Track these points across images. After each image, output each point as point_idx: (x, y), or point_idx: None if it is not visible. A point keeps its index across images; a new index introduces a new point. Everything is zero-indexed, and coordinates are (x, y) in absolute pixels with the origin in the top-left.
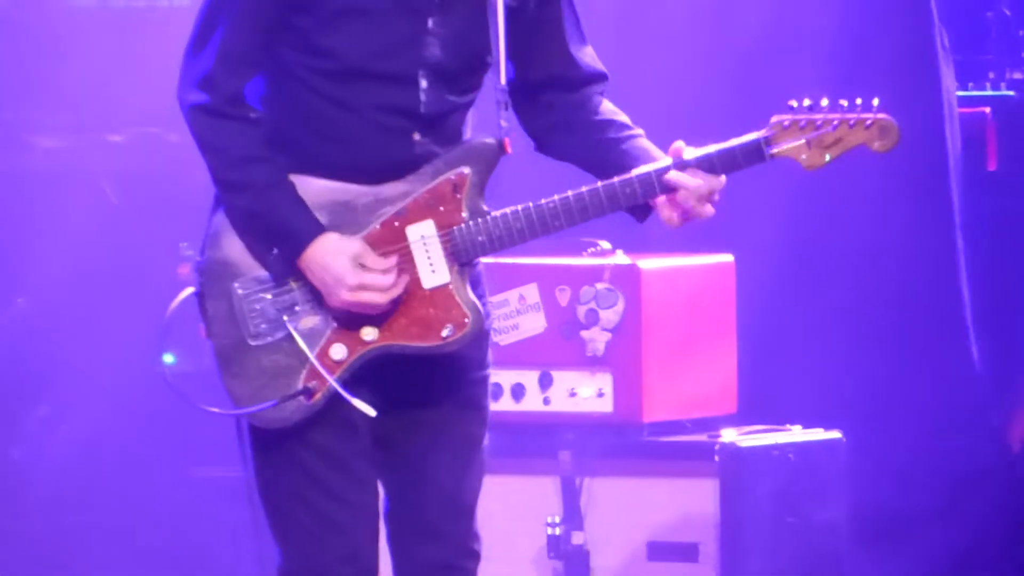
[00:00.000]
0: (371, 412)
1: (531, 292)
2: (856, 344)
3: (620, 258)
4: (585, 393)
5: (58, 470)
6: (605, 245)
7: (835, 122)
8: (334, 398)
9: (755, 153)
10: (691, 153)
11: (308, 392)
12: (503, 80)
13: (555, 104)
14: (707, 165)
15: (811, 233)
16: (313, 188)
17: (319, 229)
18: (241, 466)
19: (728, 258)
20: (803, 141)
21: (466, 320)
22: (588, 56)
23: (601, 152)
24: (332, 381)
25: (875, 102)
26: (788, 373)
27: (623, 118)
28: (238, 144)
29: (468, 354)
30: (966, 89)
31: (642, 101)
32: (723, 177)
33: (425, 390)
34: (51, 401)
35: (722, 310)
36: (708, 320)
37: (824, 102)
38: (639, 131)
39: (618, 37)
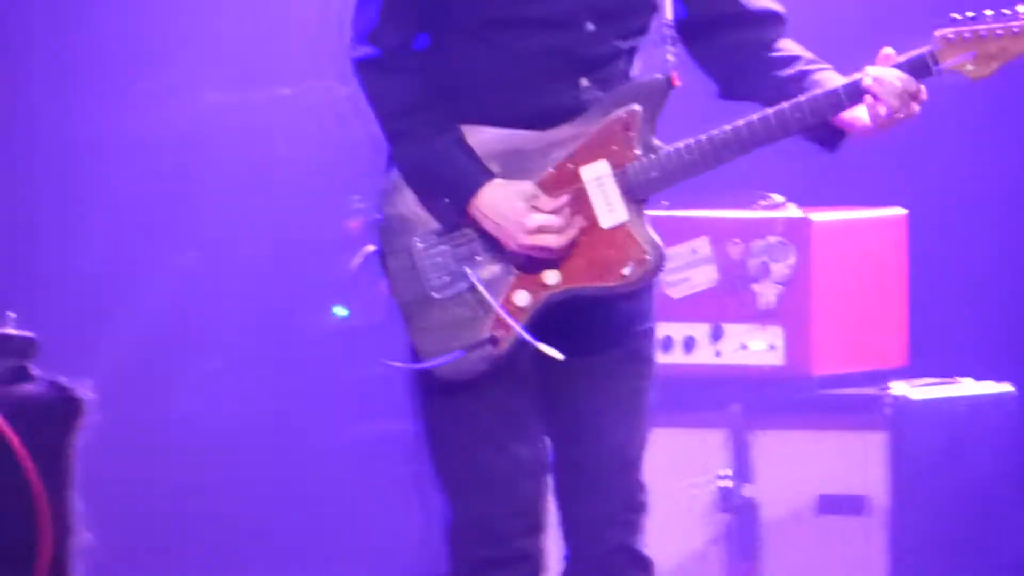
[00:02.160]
0: (559, 356)
1: (702, 245)
2: None
3: (792, 211)
4: (756, 346)
5: (224, 425)
6: (777, 198)
7: (999, 31)
8: (514, 349)
9: (922, 68)
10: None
11: (495, 341)
12: (669, 15)
13: (732, 45)
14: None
15: (981, 186)
16: (483, 137)
17: (488, 175)
18: (411, 421)
19: (900, 211)
20: (969, 53)
21: (646, 257)
22: (764, 2)
23: (785, 87)
24: (518, 328)
25: None
26: (960, 326)
27: (808, 54)
28: (404, 95)
29: (633, 306)
30: None
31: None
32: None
33: (591, 341)
34: (218, 355)
35: (894, 263)
36: (879, 273)
37: (988, 12)
38: (826, 65)
39: None
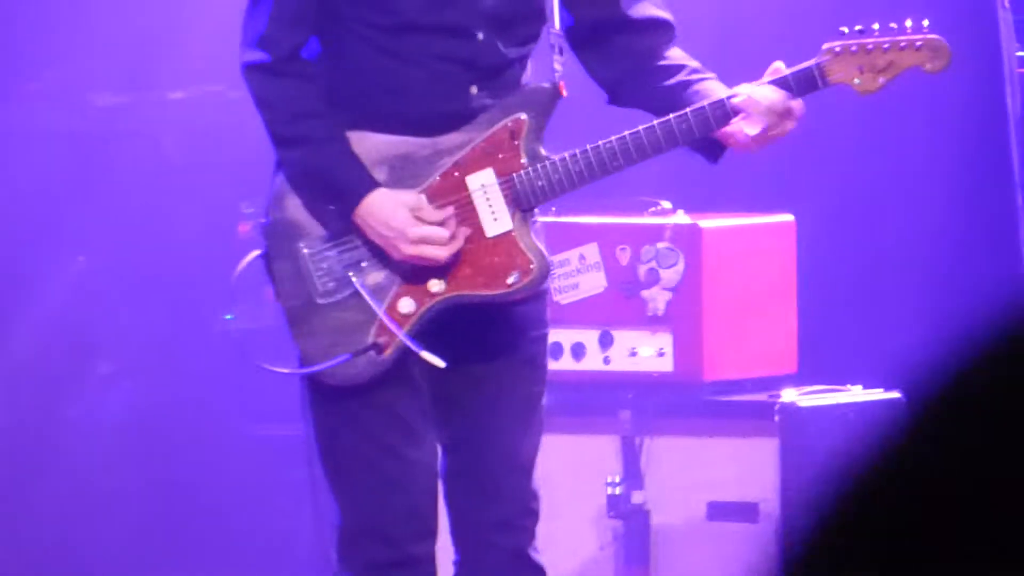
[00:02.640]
0: (440, 363)
1: (591, 251)
2: (916, 304)
3: (681, 217)
4: (645, 352)
5: (115, 429)
6: (666, 205)
7: (886, 45)
8: (401, 355)
9: (809, 81)
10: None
11: (379, 347)
12: (557, 25)
13: (618, 52)
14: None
15: (870, 193)
16: (372, 143)
17: (373, 184)
18: (301, 424)
19: (788, 217)
20: (856, 66)
21: (531, 266)
22: (653, 8)
23: (669, 96)
24: (401, 335)
25: (925, 23)
26: (849, 333)
27: (693, 63)
28: (293, 101)
29: (527, 311)
30: None
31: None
32: (799, 100)
33: (485, 347)
34: (110, 360)
35: (782, 269)
36: (768, 279)
37: (875, 26)
38: (710, 74)
39: None
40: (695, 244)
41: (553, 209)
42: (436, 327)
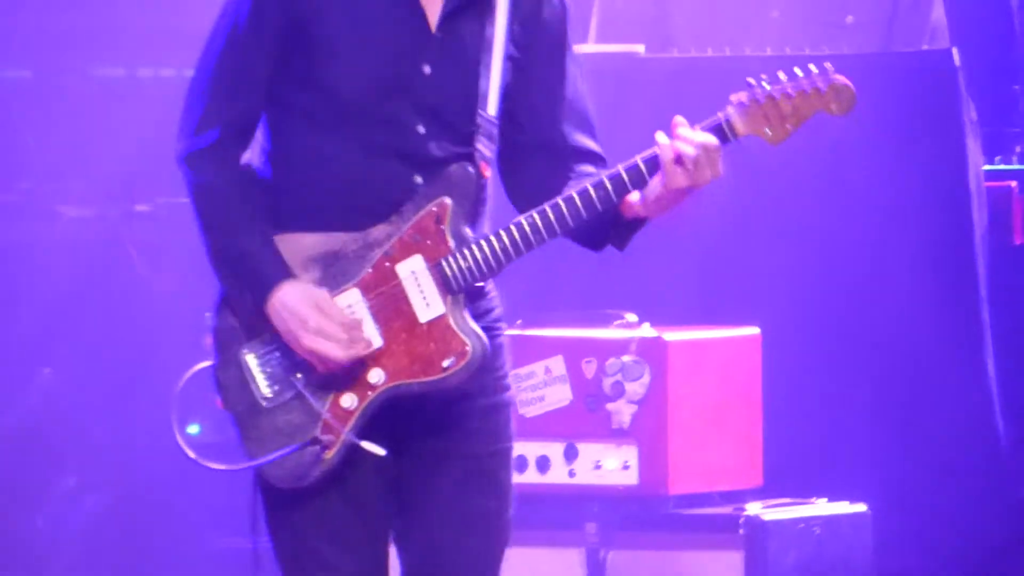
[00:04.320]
0: (381, 452)
1: (557, 364)
2: (882, 417)
3: (646, 331)
4: (610, 465)
5: (80, 539)
6: (631, 318)
7: (791, 91)
8: (348, 455)
9: (719, 134)
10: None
11: (322, 443)
12: (492, 110)
13: (539, 173)
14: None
15: (837, 306)
16: (303, 244)
17: (285, 274)
18: (250, 536)
19: (754, 331)
20: (763, 116)
21: (466, 348)
22: (584, 134)
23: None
24: (345, 433)
25: (828, 66)
26: (814, 446)
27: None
28: (221, 191)
29: (486, 427)
30: (993, 162)
31: None
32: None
33: (438, 462)
34: (76, 471)
35: (748, 383)
36: (734, 393)
37: (782, 76)
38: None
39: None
40: (660, 357)
41: (519, 322)
42: (389, 437)
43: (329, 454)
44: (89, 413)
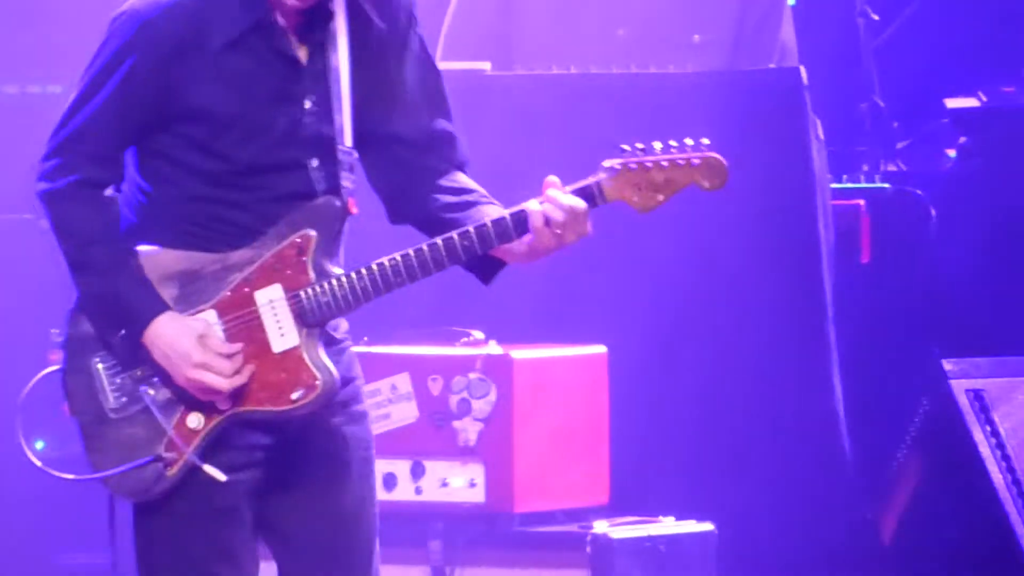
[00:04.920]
0: (221, 477)
1: (403, 381)
2: (728, 435)
3: (493, 348)
4: (457, 483)
5: None
6: (478, 335)
7: (664, 163)
8: (202, 488)
9: (588, 197)
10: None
11: (165, 461)
12: (348, 141)
13: (402, 164)
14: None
15: (684, 324)
16: (162, 259)
17: (162, 307)
18: (108, 550)
19: (601, 349)
20: (634, 184)
21: (316, 382)
22: (442, 128)
23: (448, 216)
24: (188, 453)
25: (705, 141)
26: (660, 464)
27: (480, 189)
28: (84, 227)
29: (349, 432)
30: (840, 181)
31: None
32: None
33: (304, 469)
34: None
35: (594, 401)
36: (580, 411)
37: (657, 145)
38: (494, 201)
39: None
40: (506, 375)
41: (365, 339)
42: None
43: (171, 471)
44: None
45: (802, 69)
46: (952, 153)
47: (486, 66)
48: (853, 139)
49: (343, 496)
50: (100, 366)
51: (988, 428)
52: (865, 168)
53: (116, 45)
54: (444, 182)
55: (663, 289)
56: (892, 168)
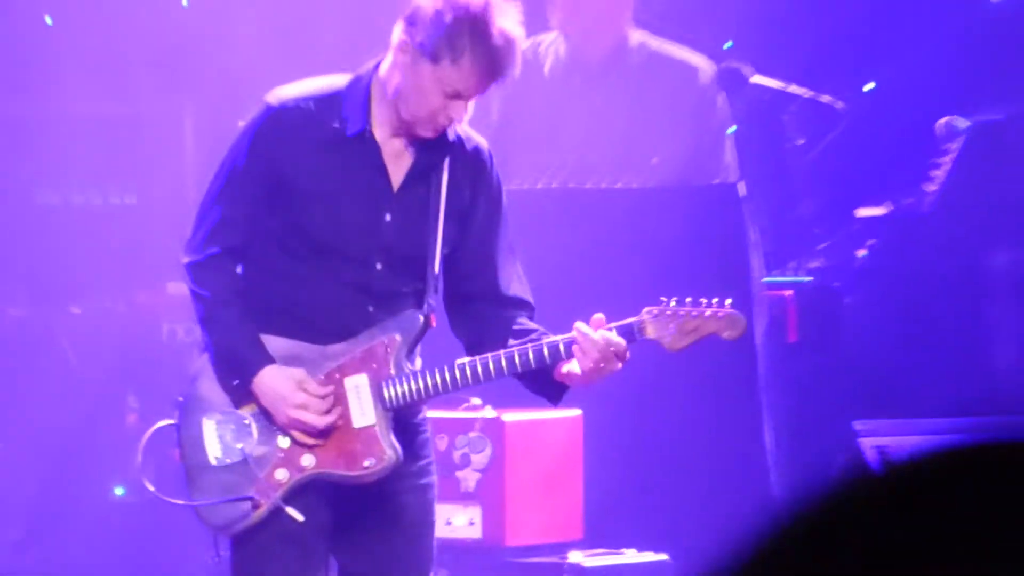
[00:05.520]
0: (299, 517)
1: None
2: (682, 483)
3: (488, 412)
4: (459, 522)
5: None
6: (476, 401)
7: (695, 313)
8: (282, 525)
9: (628, 334)
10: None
11: (254, 502)
12: (437, 268)
13: (481, 318)
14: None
15: (646, 392)
16: (271, 344)
17: (269, 360)
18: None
19: (576, 412)
20: (668, 327)
21: (385, 455)
22: (516, 282)
23: (489, 357)
24: (275, 498)
25: (728, 302)
26: (626, 505)
27: (541, 328)
28: (218, 292)
29: (415, 502)
30: (772, 275)
31: None
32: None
33: (375, 528)
34: (25, 525)
35: (571, 454)
36: (560, 461)
37: (688, 299)
38: (555, 336)
39: None
40: (499, 434)
41: None
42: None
43: (259, 512)
44: (33, 484)
45: (741, 185)
46: (862, 252)
47: None
48: (783, 241)
49: (396, 540)
50: (207, 423)
51: None
52: (792, 265)
53: (245, 139)
54: (516, 327)
55: (630, 367)
56: (814, 264)
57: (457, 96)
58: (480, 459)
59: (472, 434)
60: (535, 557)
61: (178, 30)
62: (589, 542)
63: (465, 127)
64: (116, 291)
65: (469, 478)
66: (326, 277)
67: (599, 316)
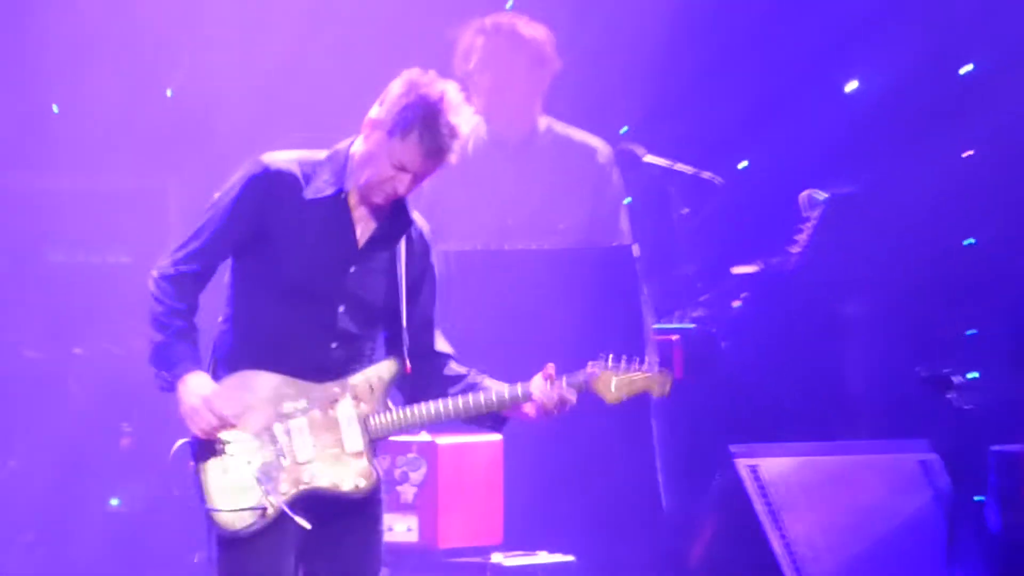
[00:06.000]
0: (306, 525)
1: None
2: (585, 495)
3: (424, 436)
4: (399, 528)
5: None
6: None
7: (633, 371)
8: (279, 517)
9: (578, 386)
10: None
11: (263, 508)
12: (404, 322)
13: (421, 371)
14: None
15: (555, 420)
16: (263, 379)
17: (197, 367)
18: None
19: (498, 437)
20: (608, 382)
21: (372, 477)
22: (441, 339)
23: (458, 396)
24: (282, 504)
25: (655, 361)
26: (538, 514)
27: (470, 370)
28: (174, 301)
29: (372, 512)
30: (660, 322)
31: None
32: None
33: (342, 532)
34: (36, 529)
35: (493, 472)
36: (483, 478)
37: (622, 360)
38: (484, 376)
39: None
40: (433, 455)
41: None
42: (315, 521)
43: (268, 512)
44: (42, 495)
45: (635, 247)
46: (736, 303)
47: None
48: (670, 294)
49: (357, 547)
50: (223, 443)
51: (760, 491)
52: (676, 314)
53: (236, 186)
54: (446, 372)
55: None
56: (696, 314)
57: (403, 168)
58: (417, 476)
59: (410, 455)
60: (463, 557)
61: (164, 117)
62: (508, 545)
63: (414, 212)
64: (113, 335)
65: (407, 492)
66: (296, 315)
67: (551, 367)
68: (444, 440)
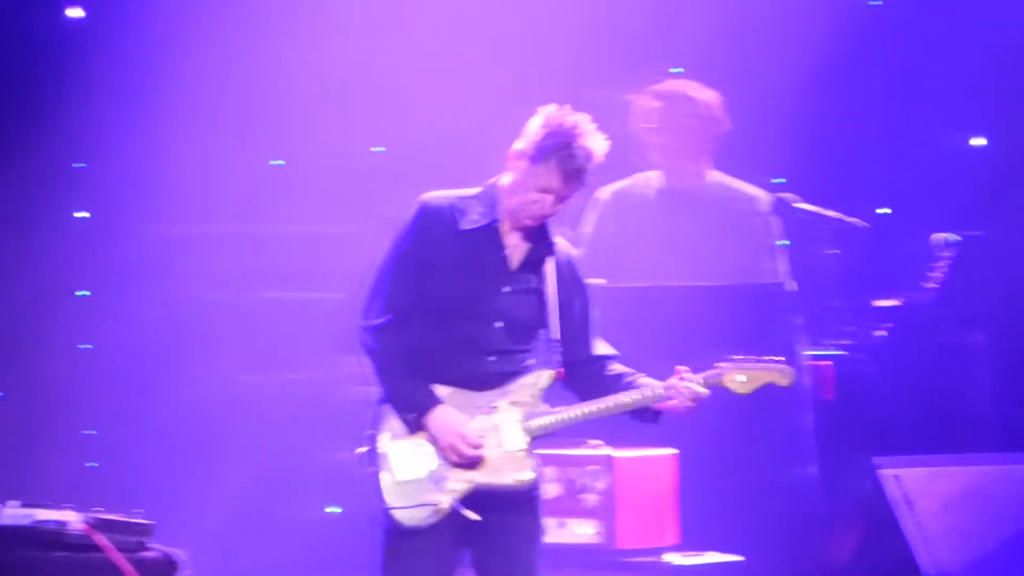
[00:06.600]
0: (476, 517)
1: (551, 471)
2: (751, 501)
3: (604, 450)
4: (584, 531)
5: None
6: (595, 442)
7: (758, 365)
8: (450, 513)
9: (709, 384)
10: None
11: (435, 505)
12: (555, 334)
13: (586, 375)
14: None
15: (721, 435)
16: (439, 391)
17: (437, 401)
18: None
19: (673, 451)
20: (736, 376)
21: (533, 471)
22: (600, 343)
23: (615, 392)
24: (452, 500)
25: (780, 358)
26: (709, 518)
27: (628, 369)
28: (389, 349)
29: (533, 507)
30: (815, 349)
31: None
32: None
33: (506, 527)
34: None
35: (669, 480)
36: (659, 489)
37: (750, 357)
38: (641, 374)
39: None
40: (611, 467)
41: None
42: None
43: (442, 508)
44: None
45: (791, 283)
46: (880, 332)
47: (602, 281)
48: (821, 325)
49: (520, 536)
50: (396, 450)
51: (904, 498)
52: (829, 342)
53: (404, 229)
54: (608, 372)
55: (715, 421)
56: (846, 342)
57: (545, 191)
58: (599, 485)
59: (592, 467)
60: (641, 557)
61: (364, 169)
62: (685, 546)
63: (558, 237)
64: (320, 362)
65: (591, 500)
66: (458, 333)
67: (683, 368)
68: (622, 454)
